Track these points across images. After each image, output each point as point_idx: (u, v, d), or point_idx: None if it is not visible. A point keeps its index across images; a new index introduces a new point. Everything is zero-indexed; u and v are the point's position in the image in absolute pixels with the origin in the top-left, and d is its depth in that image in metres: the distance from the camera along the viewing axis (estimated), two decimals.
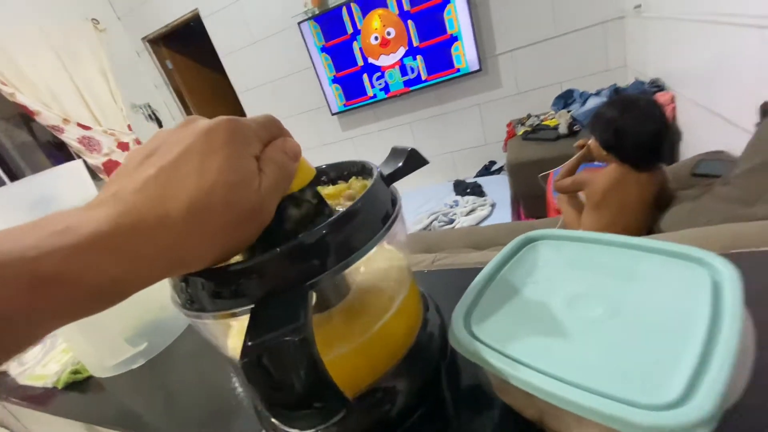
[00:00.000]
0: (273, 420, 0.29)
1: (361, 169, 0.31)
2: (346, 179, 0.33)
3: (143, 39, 3.58)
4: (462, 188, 2.57)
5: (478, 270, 0.30)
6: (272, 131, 0.23)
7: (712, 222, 0.90)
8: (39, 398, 0.54)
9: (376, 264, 0.30)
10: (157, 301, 0.54)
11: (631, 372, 0.20)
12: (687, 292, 0.23)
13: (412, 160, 0.32)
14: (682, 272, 0.25)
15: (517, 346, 0.23)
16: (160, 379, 0.50)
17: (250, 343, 0.17)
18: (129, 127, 3.22)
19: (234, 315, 0.23)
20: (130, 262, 0.16)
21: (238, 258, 0.24)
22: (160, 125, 3.71)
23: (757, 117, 1.07)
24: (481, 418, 0.29)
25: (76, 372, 0.52)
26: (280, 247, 0.22)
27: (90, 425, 0.48)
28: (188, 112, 3.92)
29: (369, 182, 0.29)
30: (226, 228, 0.19)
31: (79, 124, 2.95)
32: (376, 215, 0.25)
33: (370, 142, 3.27)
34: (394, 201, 0.27)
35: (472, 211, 2.29)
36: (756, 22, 1.14)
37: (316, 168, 0.32)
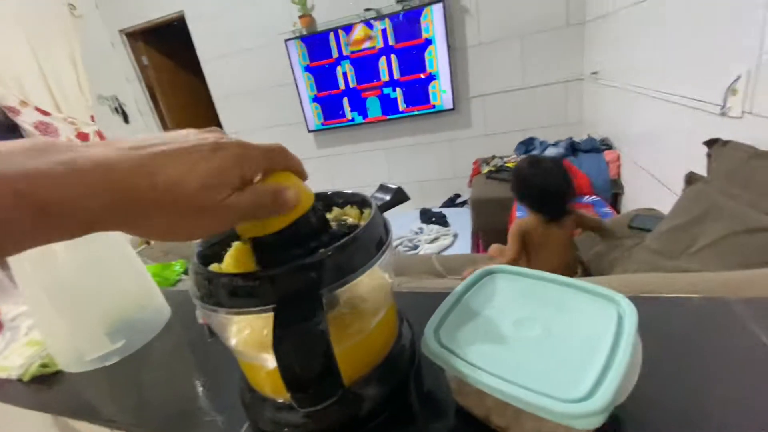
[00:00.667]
0: (265, 409, 0.34)
1: (360, 201, 0.37)
2: (341, 206, 0.39)
3: (121, 31, 3.49)
4: (428, 216, 2.68)
5: (442, 294, 0.37)
6: (275, 160, 0.26)
7: (640, 269, 1.04)
8: (2, 389, 0.53)
9: (365, 281, 0.36)
10: (138, 299, 0.56)
11: (556, 375, 0.27)
12: (599, 321, 0.31)
13: (397, 196, 0.38)
14: (598, 306, 0.33)
15: (474, 355, 0.30)
16: (132, 378, 0.52)
17: (280, 333, 0.23)
18: (92, 117, 3.09)
19: (248, 313, 0.28)
20: (106, 202, 0.18)
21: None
22: (126, 120, 3.58)
23: (684, 184, 1.26)
24: (440, 419, 0.35)
25: (44, 365, 0.52)
26: (297, 261, 0.27)
27: (55, 416, 0.49)
28: (158, 110, 3.82)
29: (366, 212, 0.36)
30: (184, 214, 0.21)
31: (38, 109, 2.80)
32: (372, 241, 0.31)
33: (345, 162, 3.34)
34: (387, 229, 0.33)
35: (435, 239, 2.39)
36: (689, 104, 1.35)
37: (323, 192, 0.38)
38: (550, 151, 2.36)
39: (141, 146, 0.20)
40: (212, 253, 0.34)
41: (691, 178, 1.22)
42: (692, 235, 1.00)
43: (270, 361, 0.32)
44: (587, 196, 2.08)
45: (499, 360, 0.29)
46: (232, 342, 0.33)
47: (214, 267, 0.32)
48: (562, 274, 0.36)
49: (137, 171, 0.19)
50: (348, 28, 2.77)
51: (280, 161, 0.26)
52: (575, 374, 0.27)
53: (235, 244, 0.33)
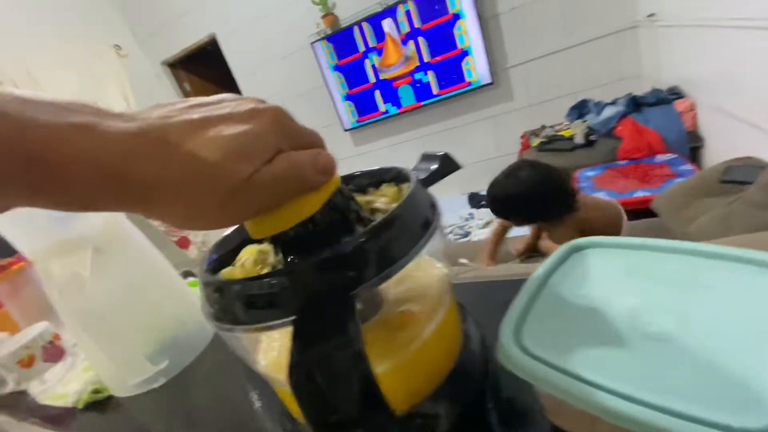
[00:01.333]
0: None
1: (396, 176, 0.29)
2: (377, 186, 0.31)
3: (162, 63, 3.70)
4: (477, 200, 2.54)
5: (511, 282, 0.28)
6: (309, 139, 0.22)
7: (749, 230, 0.86)
8: (59, 418, 0.53)
9: (413, 274, 0.28)
10: (178, 316, 0.53)
11: (712, 389, 0.18)
12: (763, 300, 0.20)
13: (445, 164, 0.30)
14: (754, 279, 0.22)
15: (578, 363, 0.21)
16: (181, 399, 0.49)
17: (297, 357, 0.16)
18: None
19: (269, 328, 0.21)
20: (102, 175, 0.16)
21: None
22: None
23: None
24: None
25: (96, 391, 0.51)
26: (316, 254, 0.20)
27: None
28: None
29: (405, 187, 0.28)
30: (205, 194, 0.17)
31: None
32: (416, 221, 0.23)
33: (383, 157, 3.28)
34: (433, 206, 0.25)
35: (488, 224, 2.25)
36: None
37: (349, 174, 0.31)
38: (608, 111, 2.11)
39: (167, 116, 0.17)
40: (227, 261, 0.28)
41: None
42: None
43: None
44: (659, 155, 1.83)
45: (618, 370, 0.20)
46: (261, 365, 0.27)
47: (225, 273, 0.26)
48: None
49: (157, 143, 0.16)
50: (372, 20, 2.69)
51: (315, 142, 0.22)
52: (744, 386, 0.17)
53: (247, 249, 0.27)
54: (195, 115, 0.18)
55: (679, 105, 1.89)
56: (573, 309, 0.25)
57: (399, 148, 3.21)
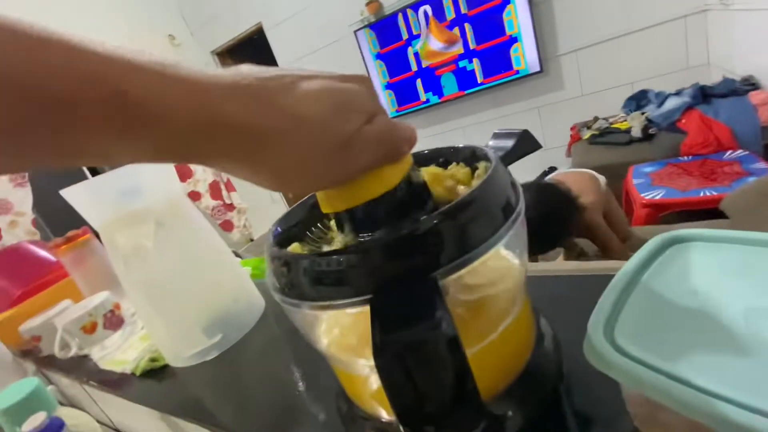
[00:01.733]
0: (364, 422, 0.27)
1: (470, 155, 0.27)
2: (444, 166, 0.29)
3: (212, 52, 3.84)
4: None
5: (594, 277, 0.25)
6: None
7: None
8: (117, 383, 0.56)
9: (488, 264, 0.26)
10: (231, 293, 0.54)
11: None
12: None
13: (525, 142, 0.28)
14: None
15: (685, 367, 0.18)
16: (232, 373, 0.50)
17: (381, 339, 0.14)
18: None
19: (338, 306, 0.20)
20: (211, 118, 0.15)
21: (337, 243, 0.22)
22: None
23: None
24: None
25: (153, 360, 0.53)
26: (393, 232, 0.19)
27: (164, 414, 0.49)
28: None
29: (481, 167, 0.26)
30: (313, 145, 0.17)
31: None
32: (498, 203, 0.21)
33: (422, 147, 3.24)
34: (516, 189, 0.23)
35: None
36: None
37: (419, 152, 0.30)
38: (672, 102, 1.95)
39: (260, 72, 0.17)
40: (292, 236, 0.28)
41: None
42: None
43: (368, 369, 0.24)
44: (730, 152, 1.67)
45: (735, 377, 0.18)
46: (322, 344, 0.26)
47: (294, 248, 0.26)
48: None
49: (255, 93, 0.16)
50: (416, 6, 2.63)
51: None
52: None
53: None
54: (288, 72, 0.17)
55: (754, 97, 1.71)
56: (674, 308, 0.22)
57: (440, 138, 3.15)
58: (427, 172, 0.26)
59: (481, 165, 0.26)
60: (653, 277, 0.24)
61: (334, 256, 0.19)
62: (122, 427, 0.75)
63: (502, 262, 0.25)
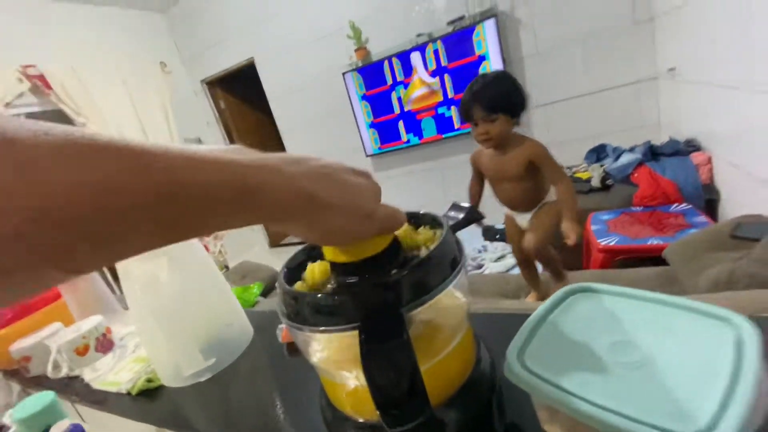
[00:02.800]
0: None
1: (431, 220, 0.37)
2: (417, 226, 0.39)
3: (202, 81, 3.95)
4: (491, 234, 2.58)
5: (520, 315, 0.35)
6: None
7: (751, 286, 0.90)
8: (112, 402, 0.61)
9: (440, 302, 0.35)
10: (225, 319, 0.60)
11: (665, 406, 0.24)
12: (713, 345, 0.27)
13: (471, 215, 0.38)
14: (709, 328, 0.29)
15: (567, 381, 0.28)
16: (223, 394, 0.55)
17: (367, 350, 0.23)
18: None
19: (331, 331, 0.29)
20: (300, 195, 0.22)
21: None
22: None
23: None
24: None
25: (149, 380, 0.58)
26: (376, 279, 0.28)
27: (160, 429, 0.54)
28: None
29: (438, 233, 0.36)
30: (356, 216, 0.26)
31: None
32: (447, 260, 0.31)
33: (402, 184, 3.38)
34: (460, 249, 0.33)
35: (501, 257, 2.30)
36: None
37: None
38: (626, 158, 2.17)
39: (326, 166, 0.25)
40: (297, 273, 0.36)
41: None
42: None
43: (351, 380, 0.32)
44: (675, 205, 1.87)
45: (596, 387, 0.27)
46: (315, 359, 0.34)
47: (298, 286, 0.34)
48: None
49: (327, 182, 0.24)
50: (401, 56, 2.85)
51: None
52: (690, 404, 0.24)
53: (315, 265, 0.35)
54: (336, 168, 0.26)
55: (696, 158, 1.94)
56: (567, 341, 0.31)
57: (418, 176, 3.31)
58: (405, 230, 0.35)
59: (438, 231, 0.35)
60: (557, 317, 0.34)
61: (331, 297, 0.28)
62: None
63: (450, 301, 0.34)
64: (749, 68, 1.41)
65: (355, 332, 0.26)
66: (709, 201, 1.90)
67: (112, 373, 0.66)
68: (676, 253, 1.37)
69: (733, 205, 1.78)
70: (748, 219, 1.32)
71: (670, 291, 1.25)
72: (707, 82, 1.77)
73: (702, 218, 1.73)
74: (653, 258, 1.54)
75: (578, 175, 2.32)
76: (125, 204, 0.16)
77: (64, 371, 0.71)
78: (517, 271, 2.17)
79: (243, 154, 0.21)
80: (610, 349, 0.30)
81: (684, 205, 1.86)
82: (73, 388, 0.70)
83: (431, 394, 0.32)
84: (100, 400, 0.63)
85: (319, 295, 0.29)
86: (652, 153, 2.13)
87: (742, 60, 1.44)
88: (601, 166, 2.25)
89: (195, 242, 0.57)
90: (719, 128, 1.80)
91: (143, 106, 3.33)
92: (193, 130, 3.93)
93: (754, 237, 1.15)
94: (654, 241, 1.63)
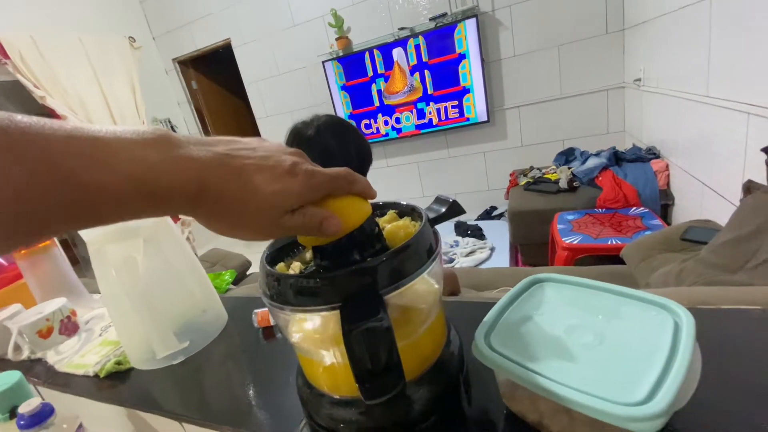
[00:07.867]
0: (318, 407, 0.36)
1: (410, 211, 0.39)
2: (400, 216, 0.41)
3: (173, 60, 3.79)
4: (463, 229, 2.66)
5: (488, 304, 0.38)
6: (338, 186, 0.29)
7: (696, 284, 0.98)
8: (77, 384, 0.59)
9: (415, 287, 0.38)
10: (201, 303, 0.60)
11: (611, 380, 0.27)
12: (655, 329, 0.31)
13: (452, 209, 0.40)
14: (653, 315, 0.32)
15: (526, 359, 0.31)
16: (196, 376, 0.56)
17: (348, 327, 0.25)
18: None
19: (312, 311, 0.30)
20: (199, 191, 0.23)
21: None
22: None
23: (741, 193, 1.18)
24: (490, 423, 0.35)
25: (118, 363, 0.58)
26: (357, 264, 0.30)
27: (127, 409, 0.53)
28: (206, 131, 4.08)
29: (417, 224, 0.38)
30: (252, 216, 0.25)
31: None
32: (424, 249, 0.33)
33: (379, 176, 3.40)
34: (437, 239, 0.35)
35: (472, 252, 2.36)
36: (743, 108, 1.28)
37: (383, 203, 0.41)
38: (592, 161, 2.28)
39: (233, 155, 0.25)
40: (279, 255, 0.37)
41: (749, 187, 1.15)
42: (752, 248, 0.94)
43: (328, 358, 0.34)
44: (634, 208, 1.99)
45: (553, 364, 0.30)
46: (295, 338, 0.35)
47: (280, 267, 0.35)
48: None
49: (229, 176, 0.24)
50: (383, 48, 2.85)
51: (343, 187, 0.29)
52: (632, 379, 0.27)
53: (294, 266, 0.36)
54: (249, 161, 0.25)
55: (655, 164, 2.07)
56: (528, 324, 0.34)
57: (397, 168, 3.34)
58: (390, 219, 0.37)
59: (417, 223, 0.38)
60: (520, 304, 0.37)
61: (313, 279, 0.30)
62: None
63: (425, 286, 0.36)
64: (705, 83, 1.52)
65: (336, 312, 0.28)
66: (664, 206, 2.04)
67: (78, 356, 0.65)
68: (632, 253, 1.47)
69: (685, 211, 1.91)
70: (697, 224, 1.43)
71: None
72: (668, 94, 1.89)
73: (657, 221, 1.85)
74: (612, 257, 1.64)
75: (547, 176, 2.42)
76: (31, 209, 0.18)
77: (25, 354, 0.69)
78: (486, 265, 2.25)
79: (158, 145, 0.22)
80: (566, 331, 0.33)
81: (642, 209, 1.98)
82: (34, 371, 0.68)
83: (406, 371, 0.35)
84: (65, 382, 0.62)
85: (302, 278, 0.30)
86: (617, 158, 2.25)
87: (700, 75, 1.55)
88: (569, 168, 2.35)
89: (171, 224, 0.57)
90: (676, 138, 1.93)
91: (109, 81, 3.16)
92: (164, 110, 3.77)
93: (701, 240, 1.25)
94: (613, 242, 1.73)
